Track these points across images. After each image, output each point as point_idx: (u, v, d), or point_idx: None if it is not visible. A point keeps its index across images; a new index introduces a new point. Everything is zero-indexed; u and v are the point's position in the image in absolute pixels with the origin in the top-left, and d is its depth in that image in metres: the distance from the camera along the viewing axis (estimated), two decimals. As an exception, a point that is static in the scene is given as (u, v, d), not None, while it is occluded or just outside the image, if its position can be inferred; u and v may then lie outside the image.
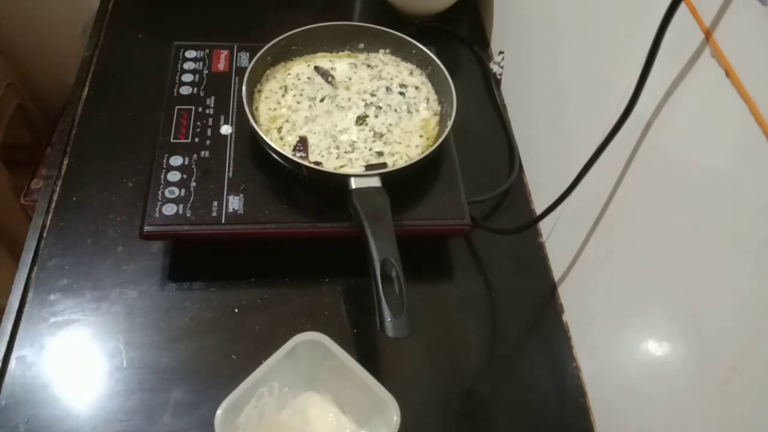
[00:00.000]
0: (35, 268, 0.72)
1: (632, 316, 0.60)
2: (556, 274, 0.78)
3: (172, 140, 0.75)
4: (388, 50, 0.87)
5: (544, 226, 0.81)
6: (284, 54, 0.84)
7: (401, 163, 0.75)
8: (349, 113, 0.79)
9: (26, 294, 0.70)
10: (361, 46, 0.87)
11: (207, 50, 0.85)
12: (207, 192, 0.72)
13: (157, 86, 0.81)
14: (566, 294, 0.76)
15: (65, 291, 0.71)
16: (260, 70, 0.81)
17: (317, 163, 0.73)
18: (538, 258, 0.81)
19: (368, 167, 0.74)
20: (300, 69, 0.83)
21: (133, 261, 0.74)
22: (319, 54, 0.86)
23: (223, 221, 0.70)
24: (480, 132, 0.92)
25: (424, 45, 0.84)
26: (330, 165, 0.74)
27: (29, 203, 1.39)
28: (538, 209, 0.82)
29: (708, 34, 0.47)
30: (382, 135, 0.78)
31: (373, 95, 0.81)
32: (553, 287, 0.78)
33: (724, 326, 0.47)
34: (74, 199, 0.77)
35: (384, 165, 0.75)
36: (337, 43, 0.86)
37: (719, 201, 0.48)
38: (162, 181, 0.72)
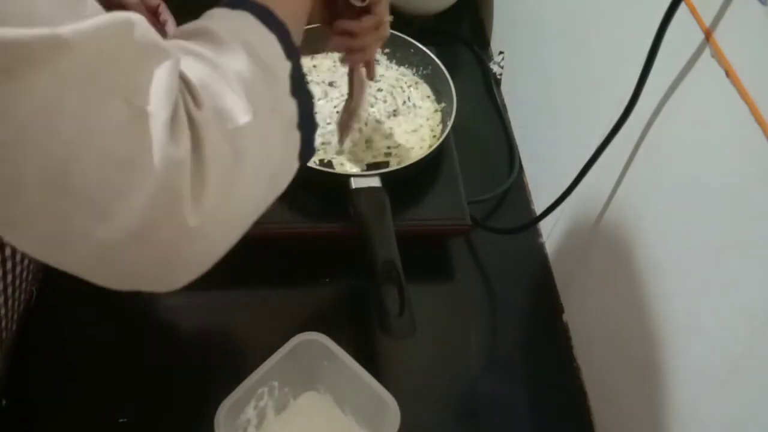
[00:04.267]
0: (35, 268, 0.72)
1: (633, 315, 0.60)
2: (556, 274, 0.78)
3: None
4: (387, 50, 0.87)
5: (544, 226, 0.81)
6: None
7: (401, 163, 0.75)
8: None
9: (26, 294, 0.70)
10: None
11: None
12: (207, 192, 0.72)
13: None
14: (566, 294, 0.76)
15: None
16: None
17: (320, 162, 0.73)
18: (538, 258, 0.81)
19: (369, 167, 0.74)
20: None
21: (133, 261, 0.74)
22: (320, 54, 0.86)
23: (223, 221, 0.70)
24: (480, 132, 0.92)
25: (423, 45, 0.84)
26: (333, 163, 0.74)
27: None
28: (538, 209, 0.82)
29: (708, 34, 0.47)
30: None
31: (373, 97, 0.81)
32: (553, 287, 0.78)
33: (724, 326, 0.47)
34: (74, 199, 0.77)
35: (384, 165, 0.75)
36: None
37: (719, 201, 0.48)
38: (162, 181, 0.72)
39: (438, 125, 0.81)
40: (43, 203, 0.30)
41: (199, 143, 0.33)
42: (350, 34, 0.60)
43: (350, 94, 0.70)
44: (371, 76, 0.68)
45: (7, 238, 0.33)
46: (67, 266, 0.34)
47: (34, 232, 0.32)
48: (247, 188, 0.37)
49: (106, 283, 0.37)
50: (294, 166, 0.43)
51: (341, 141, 0.75)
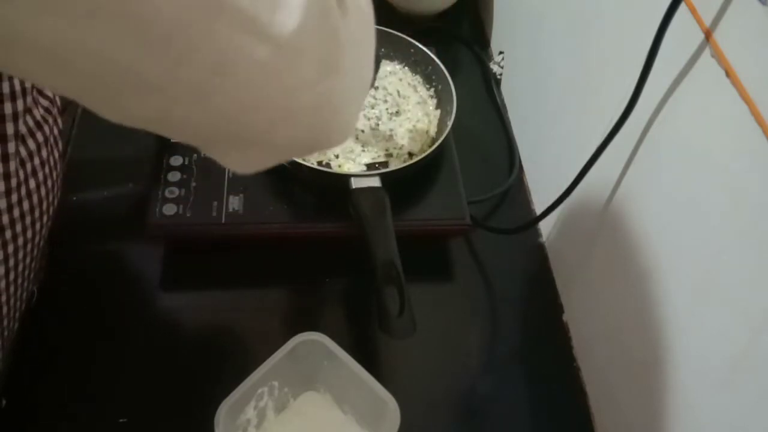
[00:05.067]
0: (35, 268, 0.72)
1: (632, 315, 0.60)
2: (556, 274, 0.78)
3: (172, 140, 0.75)
4: (389, 50, 0.87)
5: (544, 226, 0.81)
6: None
7: (401, 164, 0.75)
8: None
9: (26, 294, 0.70)
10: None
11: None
12: (207, 192, 0.72)
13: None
14: (566, 294, 0.76)
15: (65, 291, 0.71)
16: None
17: (319, 163, 0.73)
18: (538, 258, 0.81)
19: (368, 167, 0.74)
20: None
21: (133, 261, 0.74)
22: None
23: (223, 221, 0.70)
24: (480, 132, 0.92)
25: (424, 45, 0.84)
26: (333, 164, 0.74)
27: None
28: (538, 209, 0.82)
29: (708, 34, 0.47)
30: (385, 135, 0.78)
31: (373, 97, 0.81)
32: (553, 287, 0.78)
33: (724, 326, 0.47)
34: (74, 199, 0.77)
35: (384, 165, 0.75)
36: None
37: (719, 201, 0.48)
38: (162, 181, 0.72)
39: (438, 125, 0.81)
40: (199, 32, 0.29)
41: None
42: None
43: None
44: None
45: (153, 78, 0.31)
46: (223, 109, 0.33)
47: (189, 67, 0.30)
48: (367, 35, 0.39)
49: (253, 133, 0.36)
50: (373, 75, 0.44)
51: None
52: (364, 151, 0.76)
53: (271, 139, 0.37)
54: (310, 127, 0.37)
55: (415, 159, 0.73)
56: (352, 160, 0.75)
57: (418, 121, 0.80)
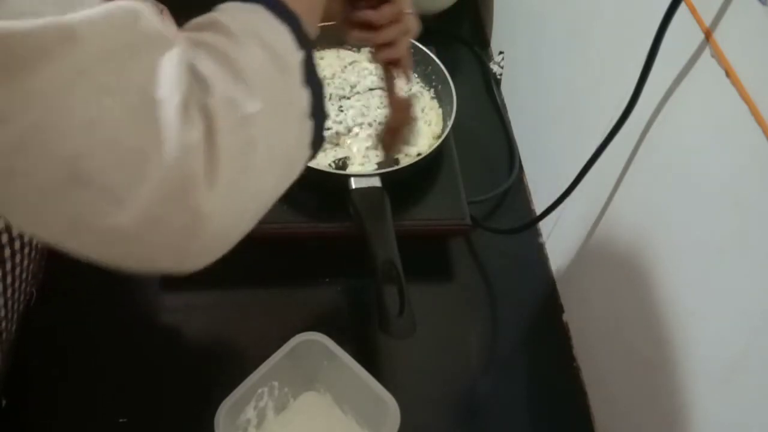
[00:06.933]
0: (35, 268, 0.72)
1: (632, 315, 0.60)
2: (556, 275, 0.78)
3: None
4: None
5: (544, 226, 0.81)
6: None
7: (401, 163, 0.75)
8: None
9: (26, 294, 0.70)
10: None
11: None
12: (207, 192, 0.72)
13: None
14: (566, 294, 0.76)
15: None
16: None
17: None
18: (538, 258, 0.81)
19: (379, 164, 0.74)
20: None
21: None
22: (317, 52, 0.86)
23: (223, 221, 0.70)
24: (480, 132, 0.92)
25: (423, 45, 0.84)
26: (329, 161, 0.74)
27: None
28: (538, 209, 0.82)
29: (708, 34, 0.47)
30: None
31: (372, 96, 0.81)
32: (553, 287, 0.78)
33: (725, 326, 0.47)
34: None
35: (384, 164, 0.75)
36: (334, 41, 0.86)
37: (719, 201, 0.48)
38: (162, 181, 0.71)
39: (438, 125, 0.81)
40: (55, 195, 0.31)
41: (211, 130, 0.33)
42: (371, 26, 0.58)
43: (389, 107, 0.69)
44: (406, 76, 0.65)
45: (18, 227, 0.34)
46: (80, 253, 0.34)
47: (46, 221, 0.32)
48: (259, 175, 0.37)
49: (119, 266, 0.37)
50: (306, 154, 0.43)
51: (385, 155, 0.74)
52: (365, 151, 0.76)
53: (132, 267, 0.38)
54: (168, 265, 0.37)
55: (414, 159, 0.73)
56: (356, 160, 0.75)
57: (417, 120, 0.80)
